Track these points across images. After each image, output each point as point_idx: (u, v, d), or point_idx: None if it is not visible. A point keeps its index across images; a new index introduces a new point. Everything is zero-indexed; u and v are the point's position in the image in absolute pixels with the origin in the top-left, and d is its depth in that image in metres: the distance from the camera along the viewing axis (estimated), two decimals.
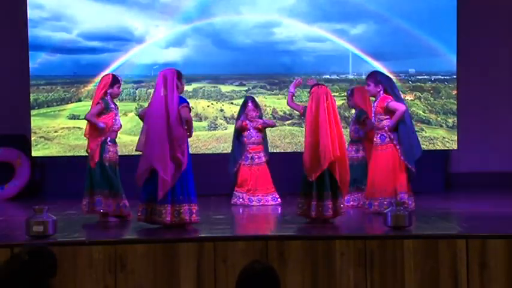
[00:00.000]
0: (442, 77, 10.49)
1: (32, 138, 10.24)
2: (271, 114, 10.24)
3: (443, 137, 10.44)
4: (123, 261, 6.34)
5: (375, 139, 8.24)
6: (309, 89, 7.69)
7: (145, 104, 9.91)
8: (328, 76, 10.50)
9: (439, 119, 10.46)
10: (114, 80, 7.83)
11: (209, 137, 10.37)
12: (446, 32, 10.26)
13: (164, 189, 6.97)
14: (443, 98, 10.50)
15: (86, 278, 6.31)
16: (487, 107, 10.93)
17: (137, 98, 10.36)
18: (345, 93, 9.71)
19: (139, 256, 6.39)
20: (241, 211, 8.82)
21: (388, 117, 8.11)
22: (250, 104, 9.31)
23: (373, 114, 8.32)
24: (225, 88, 10.49)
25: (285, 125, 10.34)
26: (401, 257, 6.42)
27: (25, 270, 3.83)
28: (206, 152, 10.21)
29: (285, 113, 10.39)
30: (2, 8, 10.59)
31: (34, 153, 10.25)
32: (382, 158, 8.11)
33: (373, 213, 7.95)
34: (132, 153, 9.13)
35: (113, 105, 7.80)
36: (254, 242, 6.49)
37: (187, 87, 8.77)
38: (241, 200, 9.16)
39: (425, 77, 10.53)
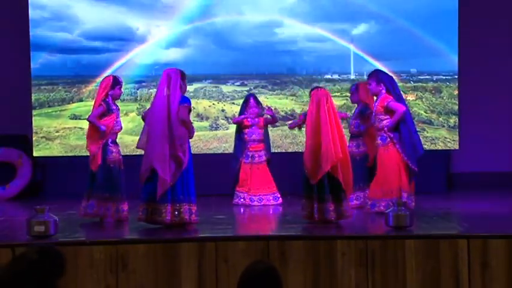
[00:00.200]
0: (444, 77, 10.49)
1: (34, 138, 10.24)
2: None
3: (445, 137, 10.43)
4: (124, 261, 6.34)
5: (376, 141, 8.24)
6: (309, 91, 7.73)
7: (147, 104, 9.95)
8: (329, 76, 10.50)
9: (440, 119, 10.46)
10: (115, 82, 7.83)
11: (210, 137, 10.38)
12: (448, 32, 10.25)
13: (163, 188, 6.97)
14: (444, 98, 10.49)
15: (87, 278, 6.31)
16: (489, 107, 10.91)
17: (138, 98, 10.36)
18: (347, 94, 9.72)
19: (140, 256, 6.39)
20: (242, 211, 8.82)
21: (388, 117, 8.11)
22: (252, 101, 9.31)
23: (373, 114, 8.32)
24: (226, 88, 10.49)
25: (286, 125, 10.33)
26: (402, 257, 6.42)
27: (34, 270, 3.82)
28: (207, 152, 10.21)
29: (286, 113, 10.40)
30: (4, 8, 10.59)
31: (35, 153, 10.25)
32: (386, 158, 8.11)
33: (376, 213, 7.94)
34: (134, 153, 9.14)
35: (114, 107, 7.80)
36: (255, 242, 6.49)
37: (189, 87, 8.75)
38: (242, 200, 9.16)
39: (427, 77, 10.52)
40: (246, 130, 9.26)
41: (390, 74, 8.78)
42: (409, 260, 6.41)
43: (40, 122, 10.28)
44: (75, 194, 8.21)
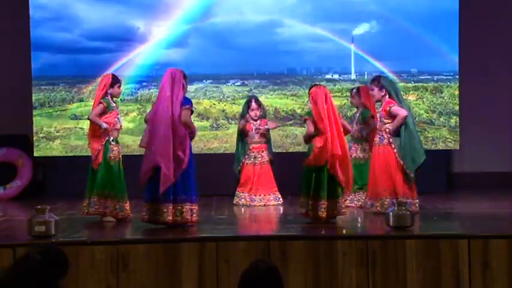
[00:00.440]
0: (445, 77, 10.47)
1: (34, 138, 10.23)
2: (273, 114, 10.22)
3: (446, 137, 10.42)
4: (125, 261, 6.35)
5: (375, 139, 8.26)
6: (308, 89, 7.74)
7: (147, 104, 9.96)
8: (330, 76, 10.49)
9: (441, 119, 10.44)
10: (114, 80, 7.83)
11: (211, 137, 10.37)
12: (449, 32, 10.24)
13: (166, 184, 6.97)
14: (445, 98, 10.48)
15: (88, 278, 6.32)
16: (490, 107, 10.91)
17: (139, 98, 10.35)
18: (347, 93, 9.71)
19: (141, 256, 6.39)
20: (243, 211, 8.81)
21: (391, 121, 8.12)
22: (253, 103, 9.32)
23: (378, 118, 8.34)
24: (227, 88, 10.48)
25: (287, 125, 10.33)
26: (403, 257, 6.42)
27: (37, 270, 3.82)
28: (208, 152, 10.20)
29: (287, 113, 10.39)
30: (4, 8, 10.59)
31: (36, 153, 10.24)
32: (380, 158, 8.12)
33: (374, 213, 7.95)
34: (134, 153, 9.14)
35: (114, 105, 7.81)
36: (256, 242, 6.50)
37: (189, 87, 8.76)
38: (243, 200, 9.16)
39: (428, 77, 10.51)
40: (249, 133, 9.28)
41: (391, 74, 8.77)
42: (410, 260, 6.41)
43: (40, 122, 10.28)
44: (76, 193, 8.22)
